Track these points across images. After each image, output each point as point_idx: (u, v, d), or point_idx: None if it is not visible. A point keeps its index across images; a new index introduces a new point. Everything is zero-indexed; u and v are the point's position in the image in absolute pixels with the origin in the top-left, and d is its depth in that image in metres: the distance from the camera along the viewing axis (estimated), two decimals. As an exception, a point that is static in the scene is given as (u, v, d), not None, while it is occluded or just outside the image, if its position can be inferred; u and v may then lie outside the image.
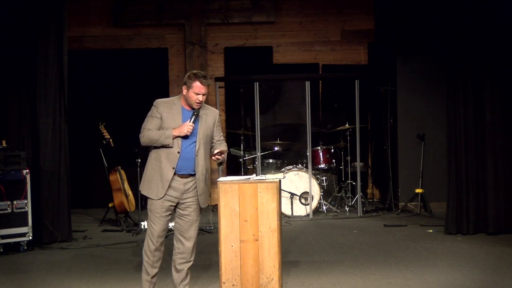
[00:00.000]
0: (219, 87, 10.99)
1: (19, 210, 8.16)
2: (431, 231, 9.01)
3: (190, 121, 5.75)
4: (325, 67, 11.79)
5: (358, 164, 10.45)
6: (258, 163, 10.31)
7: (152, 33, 11.70)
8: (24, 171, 8.20)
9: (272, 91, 11.65)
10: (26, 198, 8.18)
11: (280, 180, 5.94)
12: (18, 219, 8.14)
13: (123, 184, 9.72)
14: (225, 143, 6.02)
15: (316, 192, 10.31)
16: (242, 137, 10.71)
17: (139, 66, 11.64)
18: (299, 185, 10.29)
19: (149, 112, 5.88)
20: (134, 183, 9.66)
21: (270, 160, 10.79)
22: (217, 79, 11.07)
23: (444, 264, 7.22)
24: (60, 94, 8.70)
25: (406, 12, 10.57)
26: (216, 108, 11.17)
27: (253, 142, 10.84)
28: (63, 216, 8.70)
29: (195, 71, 5.86)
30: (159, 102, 5.87)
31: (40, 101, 8.64)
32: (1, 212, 8.07)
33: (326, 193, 10.61)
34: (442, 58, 9.37)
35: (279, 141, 10.92)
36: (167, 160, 5.77)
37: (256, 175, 6.02)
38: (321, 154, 10.62)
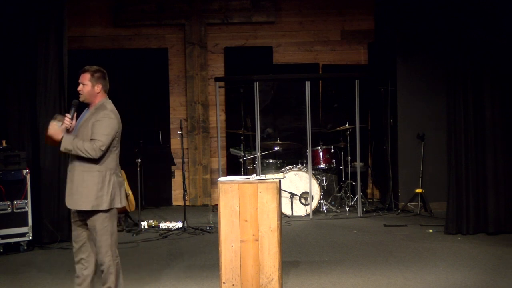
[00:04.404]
0: (219, 87, 10.99)
1: (19, 210, 8.15)
2: (431, 231, 9.01)
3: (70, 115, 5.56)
4: (325, 67, 11.78)
5: (358, 164, 10.45)
6: (258, 163, 10.30)
7: (152, 33, 11.69)
8: (24, 171, 8.19)
9: (272, 91, 11.65)
10: (26, 198, 8.18)
11: (280, 180, 5.95)
12: (18, 219, 8.13)
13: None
14: (94, 143, 5.41)
15: (316, 192, 10.30)
16: (242, 137, 10.71)
17: (139, 66, 11.62)
18: (299, 185, 10.28)
19: None
20: (134, 183, 9.67)
21: (270, 160, 10.78)
22: (217, 79, 11.07)
23: (444, 264, 7.22)
24: (60, 94, 8.69)
25: (406, 12, 10.56)
26: (216, 108, 11.31)
27: (253, 142, 10.83)
28: (63, 216, 8.68)
29: None
30: None
31: (40, 101, 8.63)
32: (1, 212, 8.06)
33: (326, 193, 10.60)
34: (442, 58, 9.37)
35: (279, 141, 10.91)
36: None
37: (256, 175, 6.02)
38: (321, 154, 10.61)
